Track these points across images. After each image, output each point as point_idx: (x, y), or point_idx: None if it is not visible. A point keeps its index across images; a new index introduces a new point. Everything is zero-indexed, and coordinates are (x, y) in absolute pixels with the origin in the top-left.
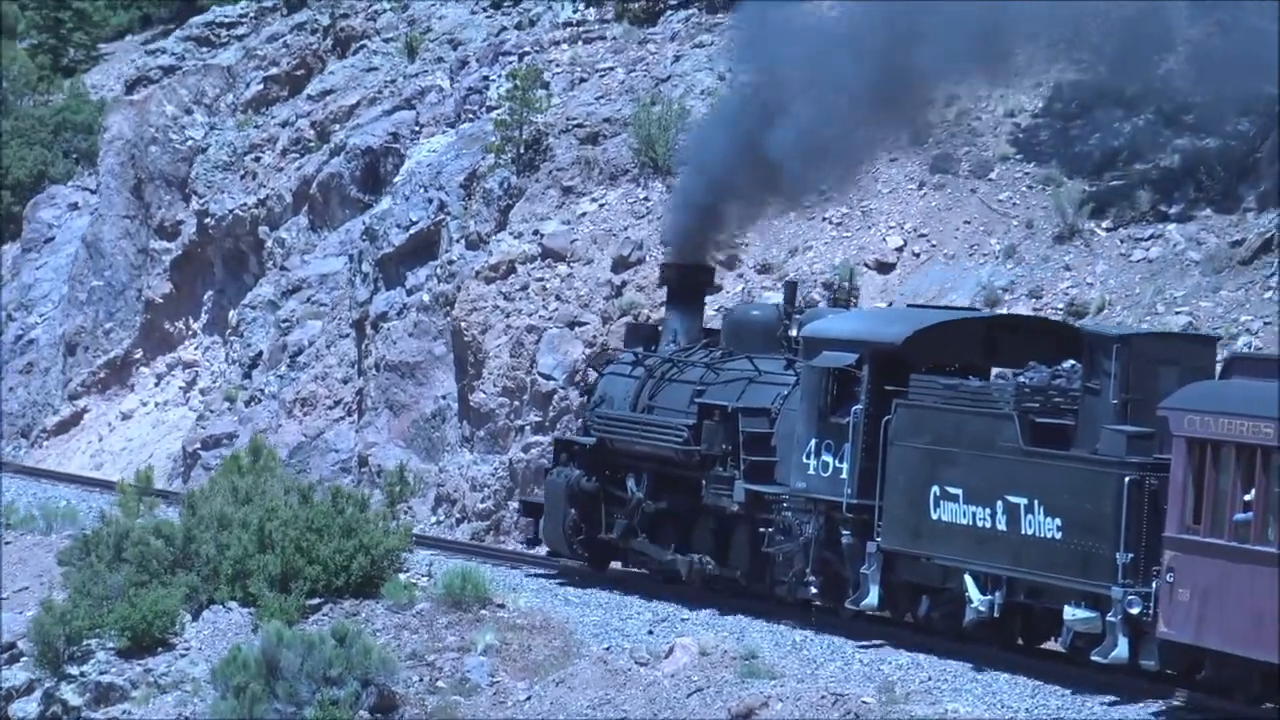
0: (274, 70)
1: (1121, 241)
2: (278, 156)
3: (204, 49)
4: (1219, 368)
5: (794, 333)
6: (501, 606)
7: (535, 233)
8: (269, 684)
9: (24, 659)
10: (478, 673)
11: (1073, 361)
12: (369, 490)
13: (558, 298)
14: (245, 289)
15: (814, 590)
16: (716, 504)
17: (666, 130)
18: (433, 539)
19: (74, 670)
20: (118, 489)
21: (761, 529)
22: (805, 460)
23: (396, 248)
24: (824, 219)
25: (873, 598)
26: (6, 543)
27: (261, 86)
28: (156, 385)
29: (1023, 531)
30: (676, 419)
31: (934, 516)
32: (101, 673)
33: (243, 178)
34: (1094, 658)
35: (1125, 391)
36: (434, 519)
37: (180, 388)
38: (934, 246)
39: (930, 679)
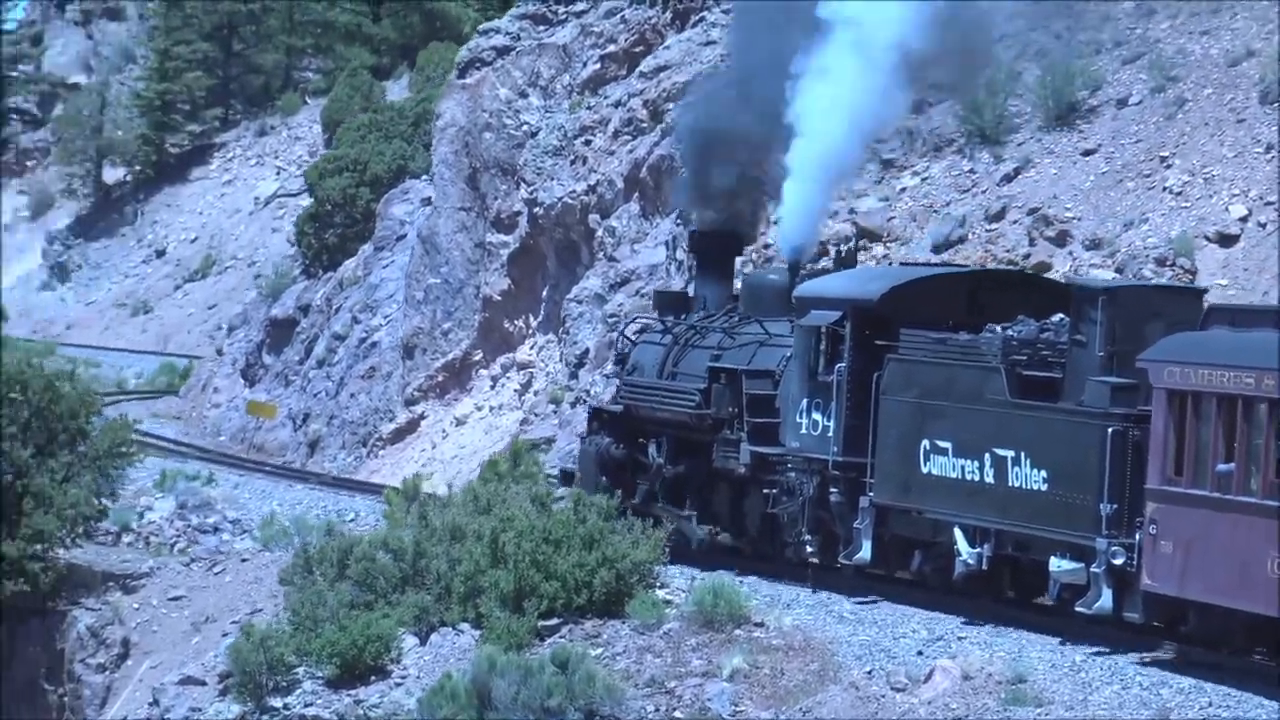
0: (611, 48)
1: None
2: (609, 139)
3: (540, 27)
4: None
5: None
6: (760, 625)
7: (850, 210)
8: (480, 716)
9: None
10: (719, 701)
11: (1061, 315)
12: None
13: None
14: (577, 283)
15: (809, 549)
16: (725, 467)
17: (995, 96)
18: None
19: (277, 702)
20: (384, 498)
21: (766, 490)
22: (798, 420)
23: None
24: (1164, 188)
25: (865, 552)
26: (243, 560)
27: (598, 65)
28: (492, 388)
29: (1010, 484)
30: (693, 384)
31: (924, 470)
32: (306, 705)
33: (572, 163)
34: (1078, 609)
35: (1111, 344)
36: None
37: (515, 390)
38: None
39: (1210, 704)
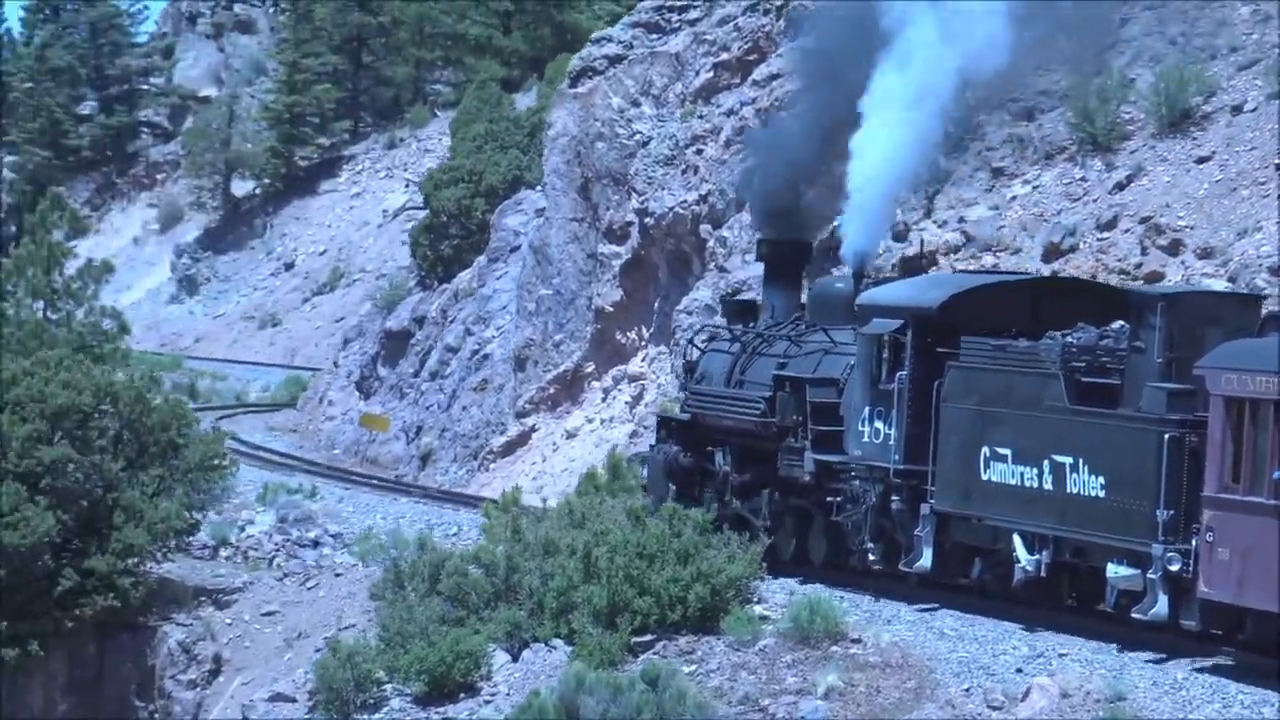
0: (724, 56)
1: None
2: (721, 148)
3: (653, 35)
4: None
5: None
6: (857, 641)
7: (960, 220)
8: None
9: None
10: (813, 719)
11: (1122, 322)
12: None
13: None
14: (688, 294)
15: (872, 557)
16: (790, 475)
17: (1107, 103)
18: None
19: (364, 719)
20: (482, 511)
21: (829, 498)
22: (861, 428)
23: (819, 241)
24: (1279, 196)
25: (926, 560)
26: (337, 575)
27: (711, 74)
28: (603, 400)
29: (1068, 490)
30: (759, 392)
31: (984, 477)
32: None
33: (684, 172)
34: (1134, 615)
35: (1170, 350)
36: None
37: (626, 402)
38: None
39: None
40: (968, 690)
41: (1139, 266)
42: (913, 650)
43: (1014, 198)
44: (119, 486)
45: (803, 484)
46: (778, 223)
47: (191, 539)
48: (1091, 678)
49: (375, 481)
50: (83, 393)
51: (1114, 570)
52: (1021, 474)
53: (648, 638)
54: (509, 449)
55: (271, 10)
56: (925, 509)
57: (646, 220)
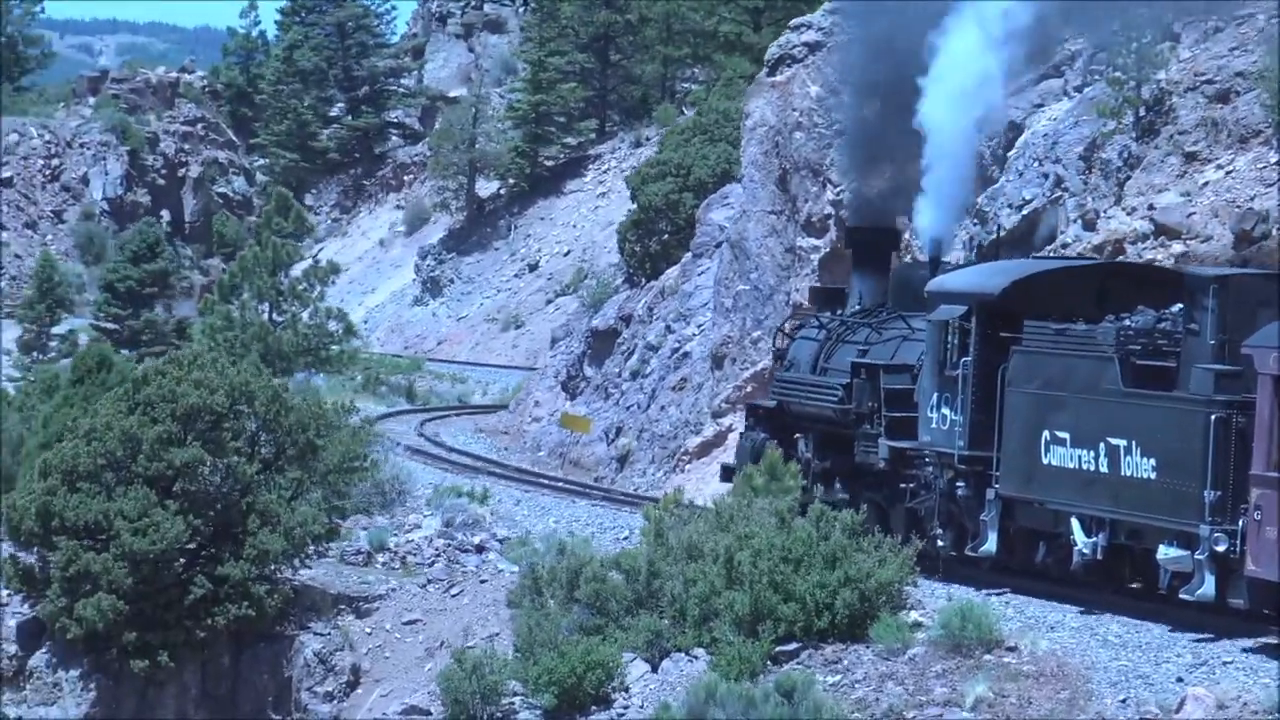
0: None
1: None
2: None
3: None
4: None
5: None
6: (1013, 649)
7: (1149, 207)
8: None
9: None
10: None
11: (1180, 305)
12: None
13: None
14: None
15: (941, 543)
16: (866, 461)
17: None
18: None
19: None
20: (643, 514)
21: (903, 484)
22: (930, 414)
23: (1007, 230)
24: None
25: (991, 544)
26: (482, 581)
27: None
28: None
29: (1122, 473)
30: (839, 379)
31: (1045, 461)
32: None
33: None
34: (1182, 596)
35: (1223, 331)
36: None
37: None
38: None
39: None
40: (1124, 701)
41: None
42: (1070, 658)
43: (1206, 183)
44: (254, 490)
45: (878, 471)
46: (863, 208)
47: (343, 544)
48: (1252, 688)
49: (560, 484)
50: (216, 392)
51: (1164, 551)
52: (1079, 457)
53: (792, 647)
54: (704, 450)
55: (521, 10)
56: (990, 494)
57: (843, 212)
